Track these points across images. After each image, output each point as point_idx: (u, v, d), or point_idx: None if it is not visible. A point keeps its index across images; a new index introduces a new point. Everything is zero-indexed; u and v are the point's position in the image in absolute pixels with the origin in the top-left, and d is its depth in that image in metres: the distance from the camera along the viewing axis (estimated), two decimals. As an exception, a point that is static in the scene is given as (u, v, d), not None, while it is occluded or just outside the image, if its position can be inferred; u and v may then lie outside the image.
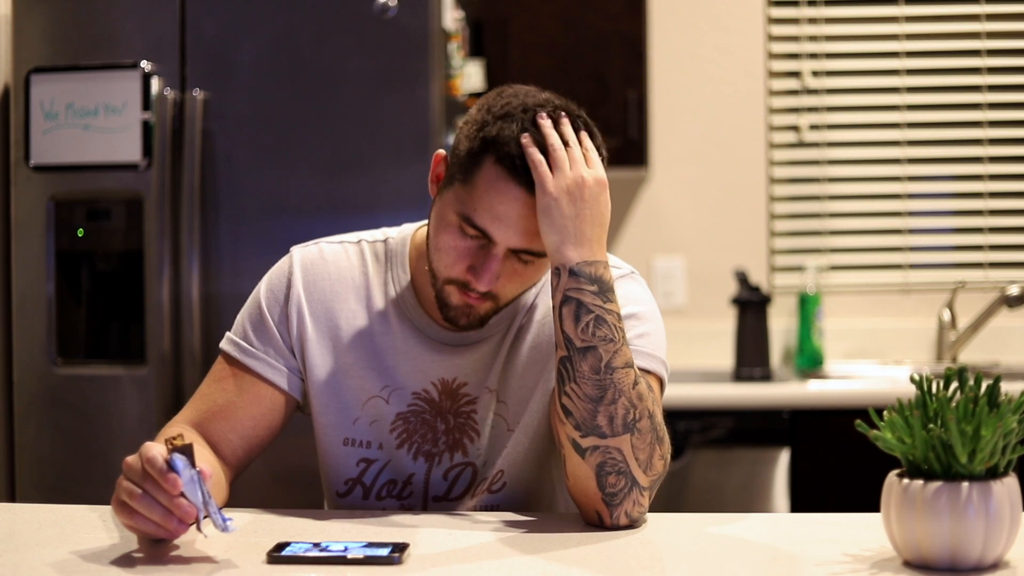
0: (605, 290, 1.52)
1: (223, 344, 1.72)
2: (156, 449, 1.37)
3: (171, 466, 1.35)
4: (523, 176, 1.52)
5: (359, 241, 1.75)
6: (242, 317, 1.73)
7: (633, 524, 1.54)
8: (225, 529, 1.36)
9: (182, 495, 1.36)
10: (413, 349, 1.69)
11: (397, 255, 1.73)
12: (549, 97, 1.59)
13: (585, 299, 1.51)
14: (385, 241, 1.75)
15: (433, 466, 1.69)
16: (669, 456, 1.57)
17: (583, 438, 1.51)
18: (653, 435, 1.52)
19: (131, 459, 1.39)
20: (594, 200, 1.52)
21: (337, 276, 1.72)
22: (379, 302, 1.71)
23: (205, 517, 1.38)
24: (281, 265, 1.75)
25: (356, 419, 1.69)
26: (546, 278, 1.70)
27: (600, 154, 1.59)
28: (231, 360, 1.70)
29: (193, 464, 1.36)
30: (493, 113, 1.56)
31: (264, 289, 1.73)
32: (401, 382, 1.69)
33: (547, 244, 1.52)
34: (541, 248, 1.55)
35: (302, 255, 1.74)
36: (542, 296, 1.71)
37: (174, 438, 1.37)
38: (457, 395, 1.69)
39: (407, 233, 1.75)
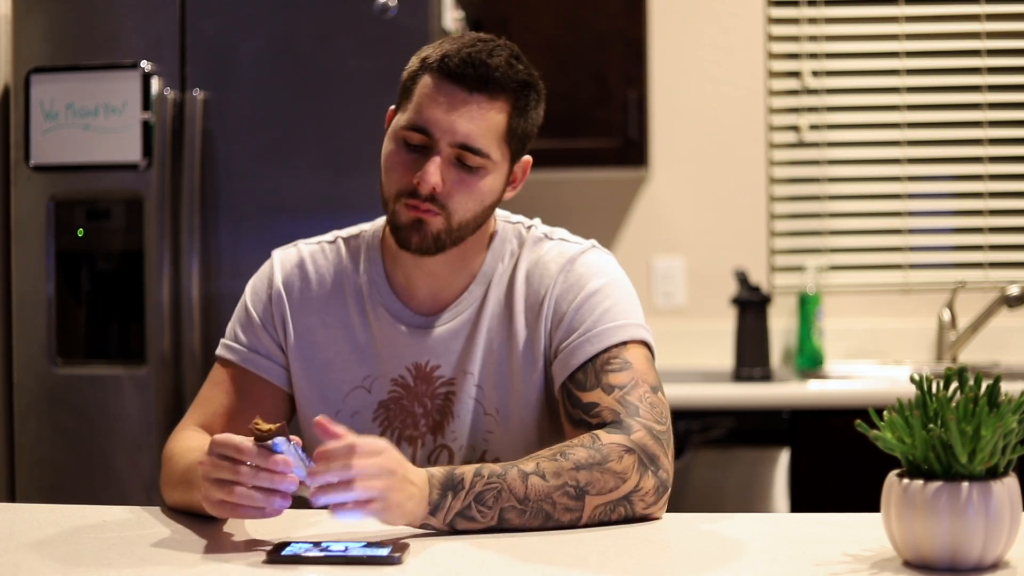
0: (518, 475, 1.50)
1: (218, 351, 1.78)
2: (246, 442, 1.39)
3: (274, 450, 1.39)
4: (457, 77, 1.60)
5: (335, 239, 1.81)
6: (232, 323, 1.80)
7: (664, 486, 1.55)
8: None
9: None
10: (389, 335, 1.73)
11: (371, 245, 1.78)
12: (496, 39, 1.66)
13: (545, 505, 1.50)
14: (360, 234, 1.81)
15: (417, 449, 1.73)
16: (672, 451, 1.59)
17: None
18: (638, 469, 1.54)
19: (222, 437, 1.41)
20: None
21: (316, 275, 1.77)
22: (357, 295, 1.76)
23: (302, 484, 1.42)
24: (263, 269, 1.81)
25: (337, 412, 1.73)
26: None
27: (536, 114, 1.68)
28: (228, 364, 1.76)
29: (288, 439, 1.40)
30: (431, 44, 1.67)
31: (249, 293, 1.80)
32: (381, 370, 1.73)
33: None
34: (483, 147, 1.61)
35: (281, 257, 1.81)
36: (513, 278, 1.74)
37: (257, 425, 1.40)
38: (431, 378, 1.72)
39: (380, 224, 1.80)
